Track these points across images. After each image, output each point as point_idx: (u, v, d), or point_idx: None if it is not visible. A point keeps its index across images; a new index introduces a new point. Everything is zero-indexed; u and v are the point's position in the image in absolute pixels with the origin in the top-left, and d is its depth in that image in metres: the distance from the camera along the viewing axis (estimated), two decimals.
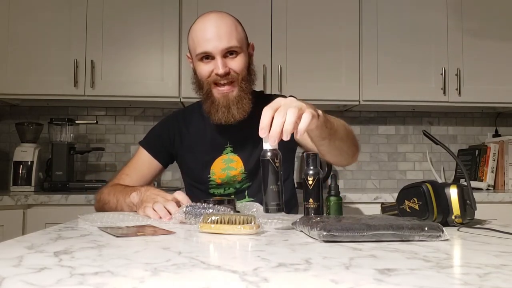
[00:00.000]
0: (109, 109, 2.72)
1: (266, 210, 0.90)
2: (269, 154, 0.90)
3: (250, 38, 1.43)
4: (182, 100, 2.41)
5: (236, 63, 1.32)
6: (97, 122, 2.63)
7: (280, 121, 0.87)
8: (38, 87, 2.35)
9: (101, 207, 1.39)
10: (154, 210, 1.10)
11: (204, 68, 1.33)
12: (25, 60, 2.35)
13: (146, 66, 2.41)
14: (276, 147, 0.90)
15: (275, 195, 0.89)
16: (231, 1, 2.43)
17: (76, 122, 2.53)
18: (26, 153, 2.35)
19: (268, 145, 0.90)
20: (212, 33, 1.29)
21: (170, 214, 1.07)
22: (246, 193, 1.42)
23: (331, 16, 2.49)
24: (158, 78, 2.41)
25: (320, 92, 2.46)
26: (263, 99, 1.48)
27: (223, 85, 1.32)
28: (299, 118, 0.90)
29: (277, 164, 0.90)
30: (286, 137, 0.87)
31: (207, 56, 1.31)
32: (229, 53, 1.31)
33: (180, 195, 1.13)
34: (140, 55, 2.41)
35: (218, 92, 1.33)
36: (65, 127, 2.47)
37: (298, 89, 2.45)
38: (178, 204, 1.11)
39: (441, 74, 2.51)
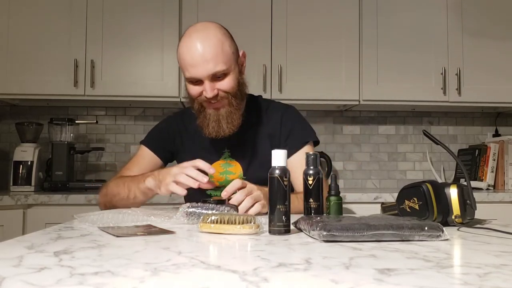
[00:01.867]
0: (109, 109, 2.71)
1: (272, 231, 0.87)
2: (277, 172, 0.88)
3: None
4: (182, 100, 2.41)
5: (225, 84, 1.32)
6: (97, 122, 2.63)
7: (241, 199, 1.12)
8: (38, 87, 2.35)
9: (109, 201, 1.40)
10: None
11: (194, 89, 1.33)
12: (25, 60, 2.35)
13: (146, 66, 2.41)
14: (286, 164, 0.90)
15: (282, 215, 0.87)
16: (232, 1, 2.43)
17: (76, 122, 2.53)
18: (26, 153, 2.35)
19: (278, 162, 0.89)
20: (198, 58, 1.26)
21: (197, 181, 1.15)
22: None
23: (332, 16, 2.49)
24: (158, 78, 2.41)
25: (320, 92, 2.46)
26: (260, 105, 1.49)
27: (215, 103, 1.34)
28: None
29: (285, 183, 0.88)
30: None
31: (196, 79, 1.31)
32: (217, 75, 1.30)
33: (200, 162, 1.17)
34: (140, 55, 2.41)
35: (209, 108, 1.35)
36: (65, 127, 2.47)
37: (298, 89, 2.46)
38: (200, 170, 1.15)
39: (441, 74, 2.51)
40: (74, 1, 2.39)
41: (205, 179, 1.15)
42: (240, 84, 1.37)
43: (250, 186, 1.15)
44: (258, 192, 1.13)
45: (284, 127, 1.45)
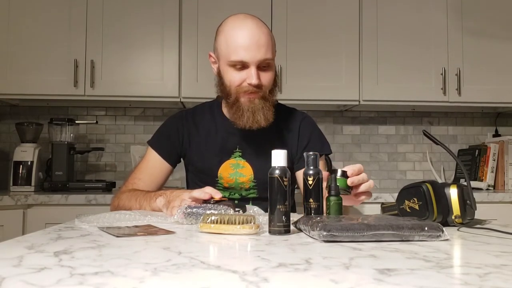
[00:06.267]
0: (109, 109, 2.72)
1: (272, 231, 0.87)
2: (277, 172, 0.88)
3: None
4: (182, 100, 2.41)
5: (267, 77, 1.33)
6: (97, 122, 2.63)
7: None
8: (38, 87, 2.35)
9: None
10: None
11: (236, 76, 1.31)
12: (25, 60, 2.36)
13: (146, 66, 2.41)
14: (286, 164, 0.90)
15: (282, 215, 0.87)
16: (232, 1, 2.43)
17: (76, 122, 2.53)
18: (26, 153, 2.35)
19: (277, 162, 0.89)
20: (252, 42, 1.27)
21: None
22: (250, 203, 1.41)
23: (332, 15, 2.49)
24: (158, 78, 2.41)
25: (320, 92, 2.46)
26: (277, 110, 1.46)
27: (252, 93, 1.32)
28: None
29: (285, 183, 0.88)
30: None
31: (244, 63, 1.30)
32: (262, 64, 1.30)
33: (209, 189, 1.13)
34: (140, 55, 2.41)
35: (245, 98, 1.33)
36: (65, 127, 2.47)
37: (298, 89, 2.46)
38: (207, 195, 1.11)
39: (441, 74, 2.51)
40: (74, 1, 2.39)
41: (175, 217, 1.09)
42: (275, 83, 1.38)
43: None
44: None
45: (301, 139, 1.45)
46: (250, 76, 1.29)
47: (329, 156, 2.65)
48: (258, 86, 1.30)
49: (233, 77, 1.31)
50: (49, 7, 2.38)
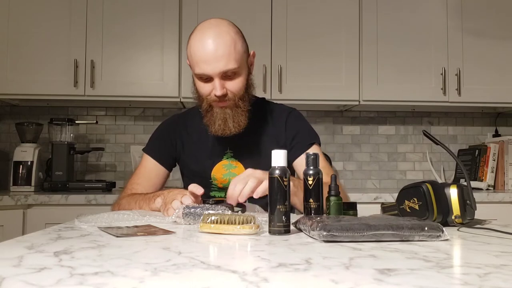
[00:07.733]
0: (109, 109, 2.72)
1: (272, 231, 0.87)
2: (277, 172, 0.88)
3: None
4: (182, 100, 2.41)
5: (234, 85, 1.31)
6: (97, 122, 2.63)
7: (240, 188, 1.09)
8: (38, 87, 2.35)
9: None
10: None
11: (204, 87, 1.32)
12: (25, 60, 2.36)
13: (146, 66, 2.41)
14: (286, 164, 0.90)
15: (282, 215, 0.87)
16: (232, 1, 2.43)
17: (76, 122, 2.53)
18: (26, 153, 2.35)
19: (278, 162, 0.89)
20: (210, 54, 1.25)
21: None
22: (246, 200, 1.42)
23: (332, 15, 2.49)
24: (158, 78, 2.41)
25: (320, 92, 2.46)
26: (264, 107, 1.48)
27: (220, 102, 1.33)
28: (258, 184, 1.09)
29: (285, 183, 0.88)
30: (241, 199, 1.09)
31: (206, 76, 1.30)
32: (227, 74, 1.29)
33: (193, 187, 1.13)
34: (140, 55, 2.42)
35: (216, 107, 1.34)
36: (65, 127, 2.47)
37: (298, 89, 2.46)
38: (194, 195, 1.11)
39: (441, 74, 2.51)
40: (74, 1, 2.39)
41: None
42: (248, 86, 1.37)
43: (241, 175, 1.12)
44: (257, 174, 1.10)
45: (289, 130, 1.45)
46: (215, 88, 1.29)
47: (329, 156, 2.68)
48: (224, 96, 1.30)
49: (202, 88, 1.33)
50: (49, 7, 2.38)
